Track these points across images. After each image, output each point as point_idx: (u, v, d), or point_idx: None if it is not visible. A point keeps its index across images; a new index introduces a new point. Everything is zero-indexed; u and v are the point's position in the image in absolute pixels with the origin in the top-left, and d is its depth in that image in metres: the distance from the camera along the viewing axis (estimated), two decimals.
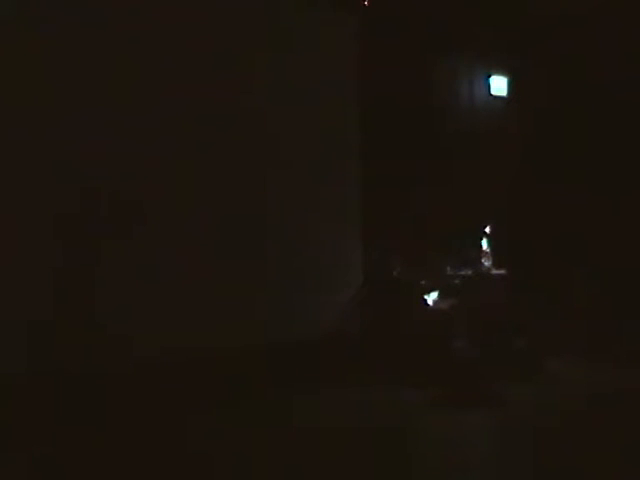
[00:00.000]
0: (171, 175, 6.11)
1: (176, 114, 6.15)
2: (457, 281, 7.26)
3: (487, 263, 7.26)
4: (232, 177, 6.55)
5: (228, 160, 6.52)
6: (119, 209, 5.75)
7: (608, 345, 7.34)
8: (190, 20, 6.29)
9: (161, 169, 6.07)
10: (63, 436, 4.77)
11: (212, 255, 6.32)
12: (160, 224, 6.02)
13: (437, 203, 7.74)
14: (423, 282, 7.24)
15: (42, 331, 5.23)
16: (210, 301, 6.20)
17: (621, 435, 4.89)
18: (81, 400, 5.10)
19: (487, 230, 7.41)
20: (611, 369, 6.79)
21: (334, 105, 7.35)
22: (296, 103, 6.99)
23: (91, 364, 5.40)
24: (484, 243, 7.34)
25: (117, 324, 5.57)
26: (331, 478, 4.28)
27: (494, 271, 7.28)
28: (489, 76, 8.80)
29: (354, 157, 7.50)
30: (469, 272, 7.23)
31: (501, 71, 8.89)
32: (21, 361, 5.13)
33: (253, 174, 6.70)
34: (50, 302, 5.34)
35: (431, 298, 7.11)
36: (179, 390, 5.49)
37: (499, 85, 8.91)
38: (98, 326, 5.49)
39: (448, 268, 7.40)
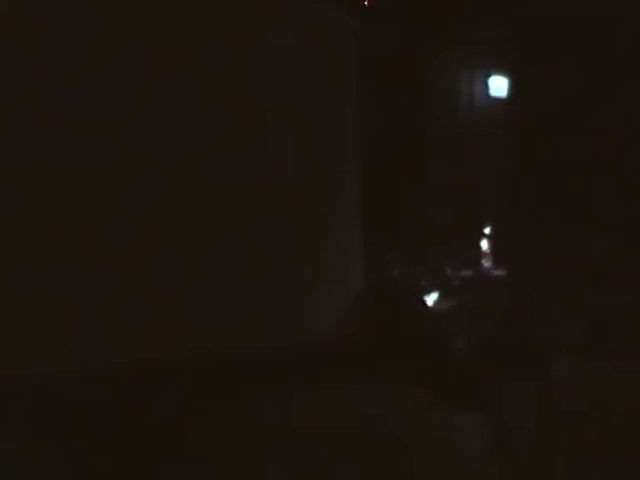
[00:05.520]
0: (172, 178, 6.12)
1: (175, 113, 6.15)
2: (457, 281, 7.25)
3: (487, 263, 7.26)
4: (232, 177, 6.54)
5: (228, 160, 6.51)
6: None
7: (608, 345, 7.33)
8: (189, 19, 6.30)
9: (160, 174, 6.08)
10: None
11: (212, 255, 6.32)
12: (161, 225, 6.03)
13: (437, 203, 7.74)
14: (423, 282, 7.23)
15: None
16: (210, 301, 6.19)
17: (621, 435, 4.89)
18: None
19: (487, 230, 7.40)
20: (611, 369, 6.78)
21: (334, 105, 7.35)
22: (296, 103, 6.98)
23: None
24: (484, 243, 7.34)
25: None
26: (330, 478, 4.28)
27: (494, 271, 7.28)
28: (489, 76, 8.79)
29: (354, 157, 7.50)
30: (469, 272, 7.23)
31: (501, 71, 8.89)
32: None
33: (253, 174, 6.69)
34: None
35: (431, 298, 7.10)
36: (178, 390, 5.48)
37: (499, 85, 8.91)
38: None
39: (448, 268, 7.40)
